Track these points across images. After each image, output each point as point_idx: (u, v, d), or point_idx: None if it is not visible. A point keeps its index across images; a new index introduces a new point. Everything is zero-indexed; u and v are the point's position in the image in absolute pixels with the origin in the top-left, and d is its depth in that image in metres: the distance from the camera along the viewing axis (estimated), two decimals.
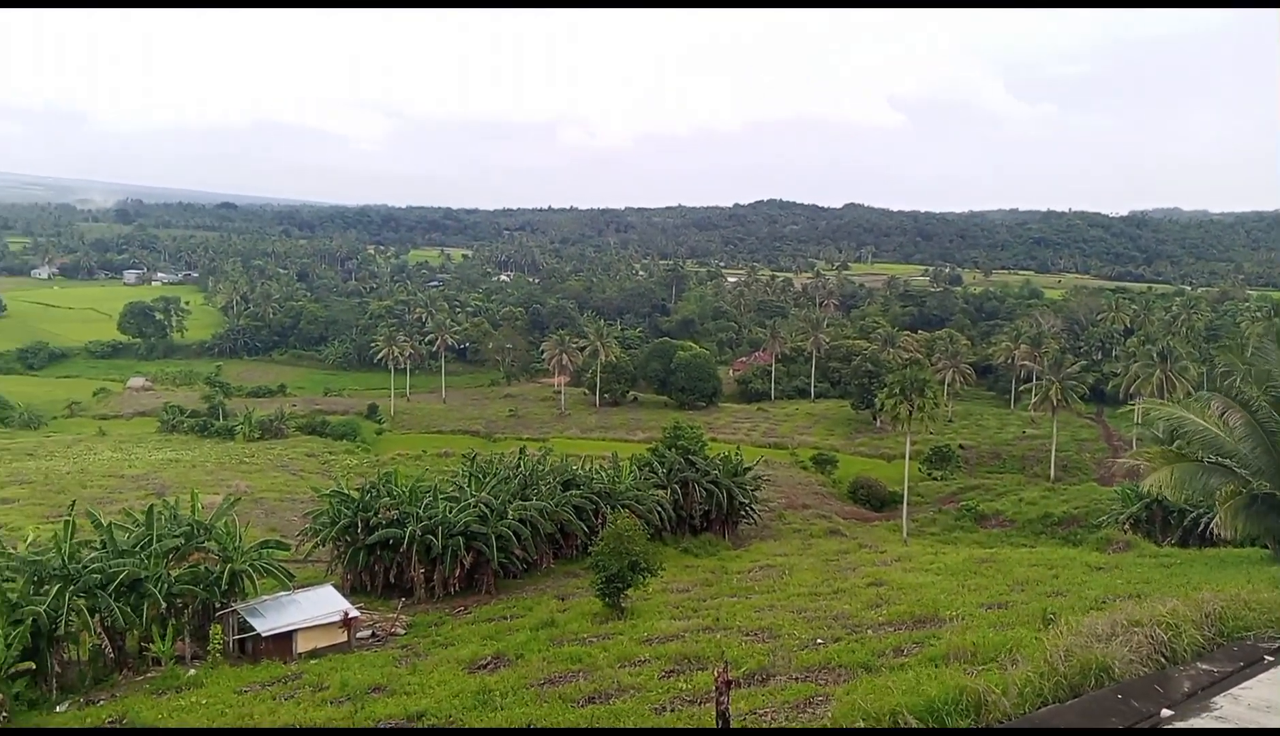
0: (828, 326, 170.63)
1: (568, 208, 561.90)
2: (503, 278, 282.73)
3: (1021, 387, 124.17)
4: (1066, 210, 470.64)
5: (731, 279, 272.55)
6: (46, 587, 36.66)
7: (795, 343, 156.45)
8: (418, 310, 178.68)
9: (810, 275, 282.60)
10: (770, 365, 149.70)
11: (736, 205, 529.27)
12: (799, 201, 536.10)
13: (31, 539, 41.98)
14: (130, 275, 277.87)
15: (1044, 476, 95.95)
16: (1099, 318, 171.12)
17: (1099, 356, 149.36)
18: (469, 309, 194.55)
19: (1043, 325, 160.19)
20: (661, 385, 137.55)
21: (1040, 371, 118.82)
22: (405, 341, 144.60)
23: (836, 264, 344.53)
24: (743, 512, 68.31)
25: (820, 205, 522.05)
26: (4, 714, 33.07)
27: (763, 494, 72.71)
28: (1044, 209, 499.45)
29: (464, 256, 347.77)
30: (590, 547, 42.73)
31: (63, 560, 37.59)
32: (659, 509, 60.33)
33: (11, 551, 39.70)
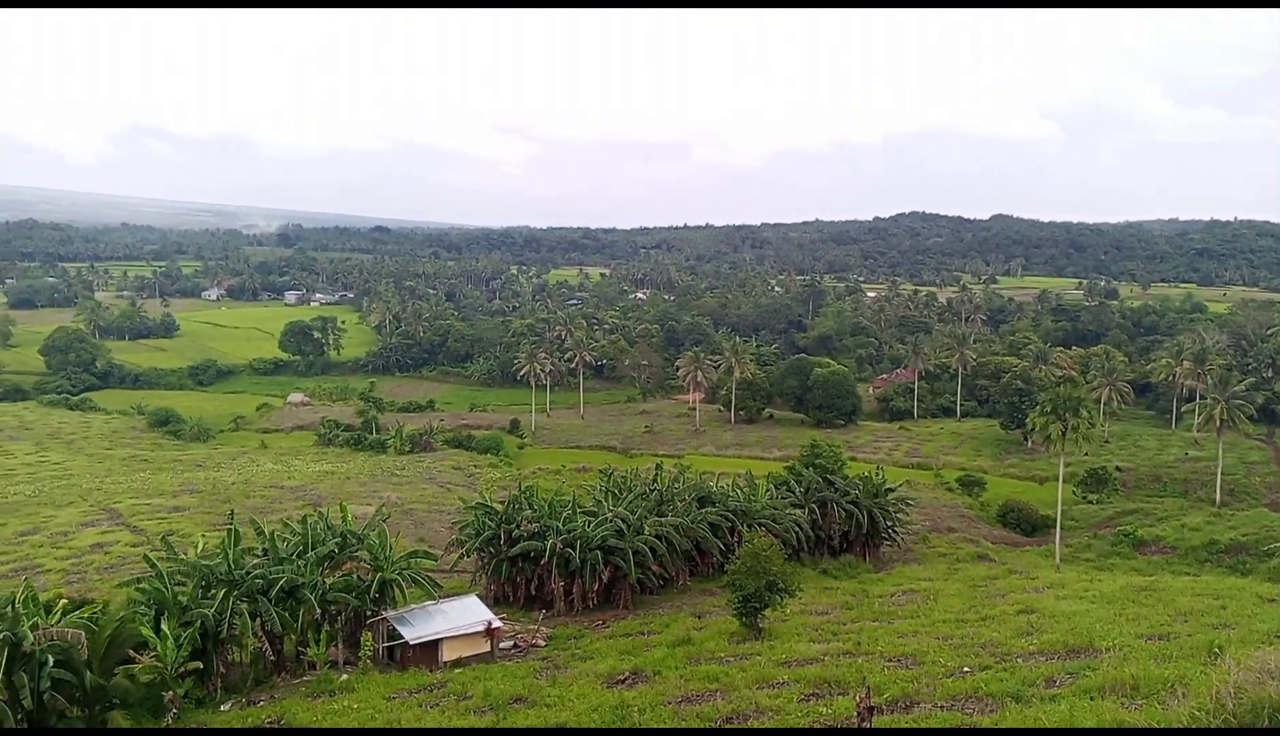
0: (974, 342, 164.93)
1: (703, 225, 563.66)
2: (639, 295, 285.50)
3: (1184, 407, 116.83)
4: (1232, 219, 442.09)
5: (871, 294, 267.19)
6: (213, 592, 38.96)
7: (939, 359, 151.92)
8: (558, 328, 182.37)
9: (955, 289, 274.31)
10: (913, 382, 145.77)
11: (876, 218, 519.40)
12: (942, 213, 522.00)
13: (200, 545, 44.72)
14: (291, 296, 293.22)
15: (1208, 501, 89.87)
16: (1269, 333, 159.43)
17: (1269, 374, 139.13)
18: (606, 326, 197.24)
19: (1206, 341, 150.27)
20: (798, 402, 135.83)
21: (1204, 390, 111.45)
22: (546, 358, 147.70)
23: (983, 277, 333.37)
24: (885, 535, 66.64)
25: (965, 217, 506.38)
26: (174, 710, 35.23)
27: (906, 516, 70.73)
28: (1207, 218, 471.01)
29: (602, 275, 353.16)
30: (726, 566, 42.48)
31: (228, 566, 39.90)
32: (796, 529, 59.49)
33: (183, 557, 42.40)
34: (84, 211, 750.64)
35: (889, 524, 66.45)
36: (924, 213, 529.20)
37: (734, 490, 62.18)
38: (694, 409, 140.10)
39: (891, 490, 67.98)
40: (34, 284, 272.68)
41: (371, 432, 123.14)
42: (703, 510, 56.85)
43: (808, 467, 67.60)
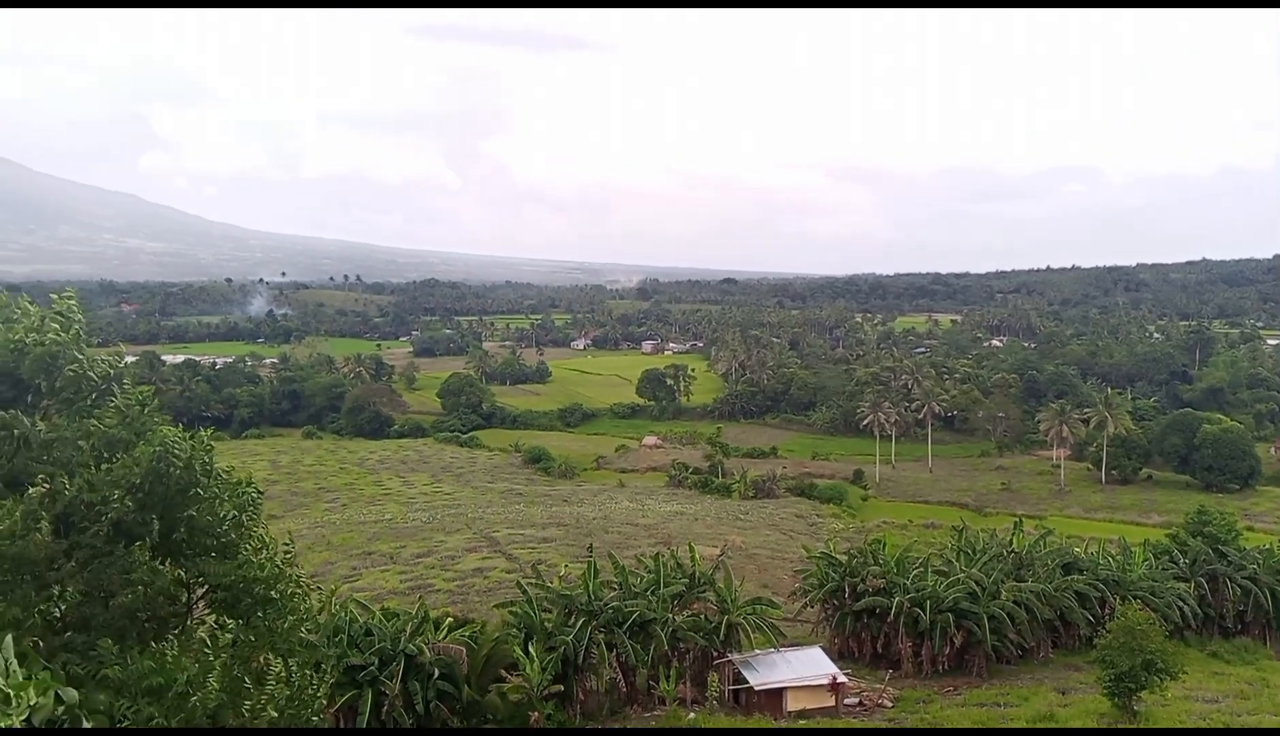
0: None
1: (1068, 267, 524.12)
2: (994, 343, 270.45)
3: None
4: None
5: (1272, 342, 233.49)
6: (574, 620, 41.86)
7: None
8: (904, 377, 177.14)
9: None
10: None
11: (1277, 256, 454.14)
12: None
13: (564, 575, 48.26)
14: (647, 345, 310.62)
15: None
16: None
17: None
18: (957, 375, 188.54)
19: None
20: (1182, 463, 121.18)
21: None
22: (891, 408, 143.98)
23: None
24: None
25: None
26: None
27: None
28: None
29: (952, 322, 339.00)
30: (1095, 640, 38.69)
31: (588, 597, 42.72)
32: (1180, 604, 52.93)
33: (549, 585, 46.01)
34: (475, 271, 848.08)
35: None
36: None
37: (1104, 557, 56.68)
38: (1057, 466, 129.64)
39: None
40: (434, 335, 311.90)
41: (717, 476, 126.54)
42: (1068, 577, 52.35)
43: (1194, 536, 60.11)
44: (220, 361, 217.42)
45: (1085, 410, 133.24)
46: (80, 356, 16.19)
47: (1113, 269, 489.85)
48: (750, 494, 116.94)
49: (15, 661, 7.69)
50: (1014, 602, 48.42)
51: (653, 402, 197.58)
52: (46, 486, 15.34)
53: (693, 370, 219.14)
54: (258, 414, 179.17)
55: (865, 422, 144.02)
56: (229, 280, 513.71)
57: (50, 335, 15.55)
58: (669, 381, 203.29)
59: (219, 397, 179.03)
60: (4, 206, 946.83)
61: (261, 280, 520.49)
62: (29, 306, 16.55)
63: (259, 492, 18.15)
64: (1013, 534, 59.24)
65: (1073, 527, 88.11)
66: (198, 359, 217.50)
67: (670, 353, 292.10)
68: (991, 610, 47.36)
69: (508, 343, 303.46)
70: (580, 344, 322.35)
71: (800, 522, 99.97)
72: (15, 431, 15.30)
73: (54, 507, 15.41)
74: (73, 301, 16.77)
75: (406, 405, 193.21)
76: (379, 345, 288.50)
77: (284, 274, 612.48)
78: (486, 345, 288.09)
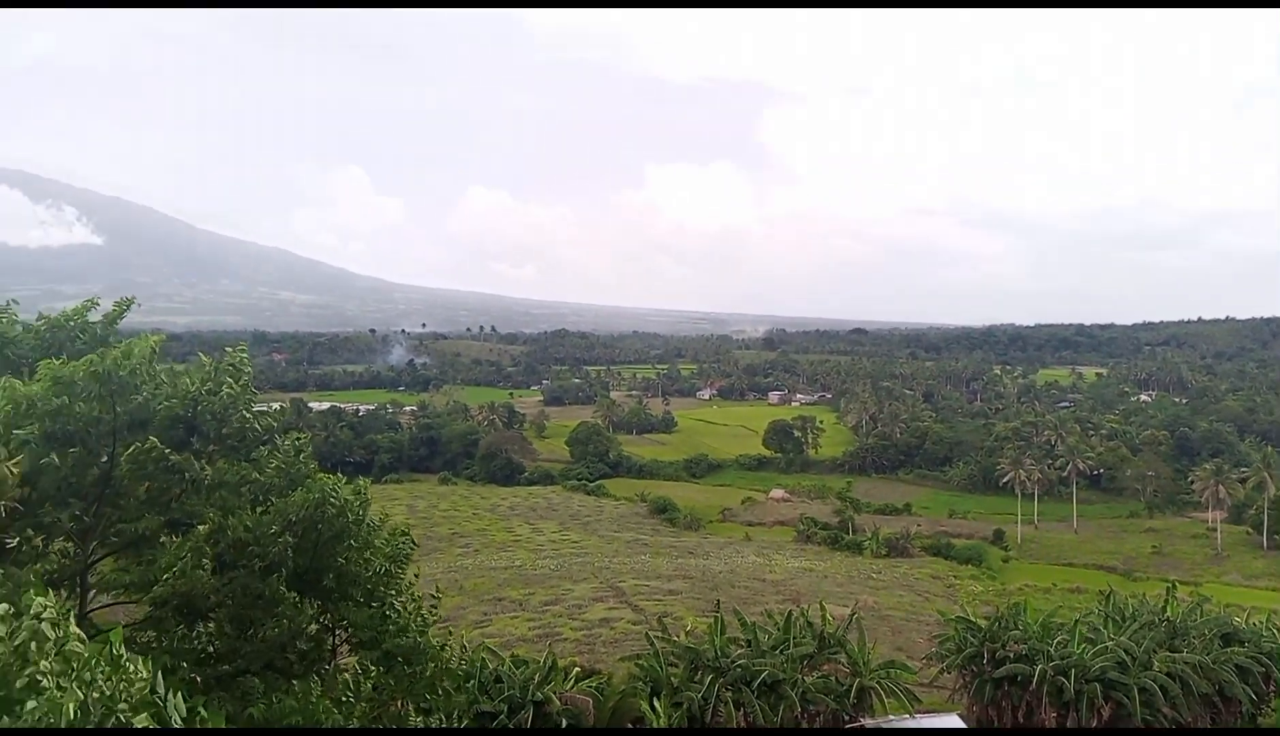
0: None
1: (1222, 318, 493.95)
2: (1143, 398, 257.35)
3: None
4: None
5: None
6: (700, 676, 41.52)
7: None
8: (1046, 432, 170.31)
9: None
10: None
11: None
12: None
13: (690, 629, 48.03)
14: (774, 396, 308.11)
15: None
16: None
17: None
18: (1103, 432, 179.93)
19: None
20: None
21: None
22: (1033, 465, 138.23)
23: None
24: None
25: None
26: None
27: None
28: None
29: (1098, 375, 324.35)
30: (1258, 717, 35.97)
31: (715, 653, 42.36)
32: None
33: (675, 639, 45.85)
34: (604, 321, 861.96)
35: None
36: None
37: (1269, 629, 52.74)
38: (1214, 530, 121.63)
39: None
40: (564, 384, 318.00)
41: (848, 532, 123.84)
42: (1228, 649, 48.84)
43: None
44: (363, 408, 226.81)
45: (1243, 470, 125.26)
46: (247, 408, 17.36)
47: (1270, 320, 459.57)
48: (883, 552, 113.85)
49: (182, 703, 8.29)
50: (1167, 674, 45.48)
51: (779, 454, 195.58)
52: (211, 526, 16.44)
53: (821, 422, 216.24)
54: (397, 459, 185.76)
55: (1005, 480, 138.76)
56: (372, 331, 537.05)
57: (225, 388, 16.71)
58: (796, 433, 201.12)
59: (361, 443, 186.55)
60: (171, 261, 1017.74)
61: (403, 331, 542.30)
62: (203, 358, 17.79)
63: (414, 545, 18.91)
64: (1165, 601, 55.76)
65: (1231, 596, 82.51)
66: (342, 406, 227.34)
67: (797, 404, 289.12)
68: (1142, 681, 44.62)
69: (634, 392, 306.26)
70: (706, 394, 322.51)
71: (936, 584, 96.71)
72: (186, 475, 16.46)
73: (216, 546, 16.49)
74: (244, 354, 18.00)
75: (536, 453, 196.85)
76: (511, 393, 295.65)
77: (424, 325, 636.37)
78: (614, 394, 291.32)
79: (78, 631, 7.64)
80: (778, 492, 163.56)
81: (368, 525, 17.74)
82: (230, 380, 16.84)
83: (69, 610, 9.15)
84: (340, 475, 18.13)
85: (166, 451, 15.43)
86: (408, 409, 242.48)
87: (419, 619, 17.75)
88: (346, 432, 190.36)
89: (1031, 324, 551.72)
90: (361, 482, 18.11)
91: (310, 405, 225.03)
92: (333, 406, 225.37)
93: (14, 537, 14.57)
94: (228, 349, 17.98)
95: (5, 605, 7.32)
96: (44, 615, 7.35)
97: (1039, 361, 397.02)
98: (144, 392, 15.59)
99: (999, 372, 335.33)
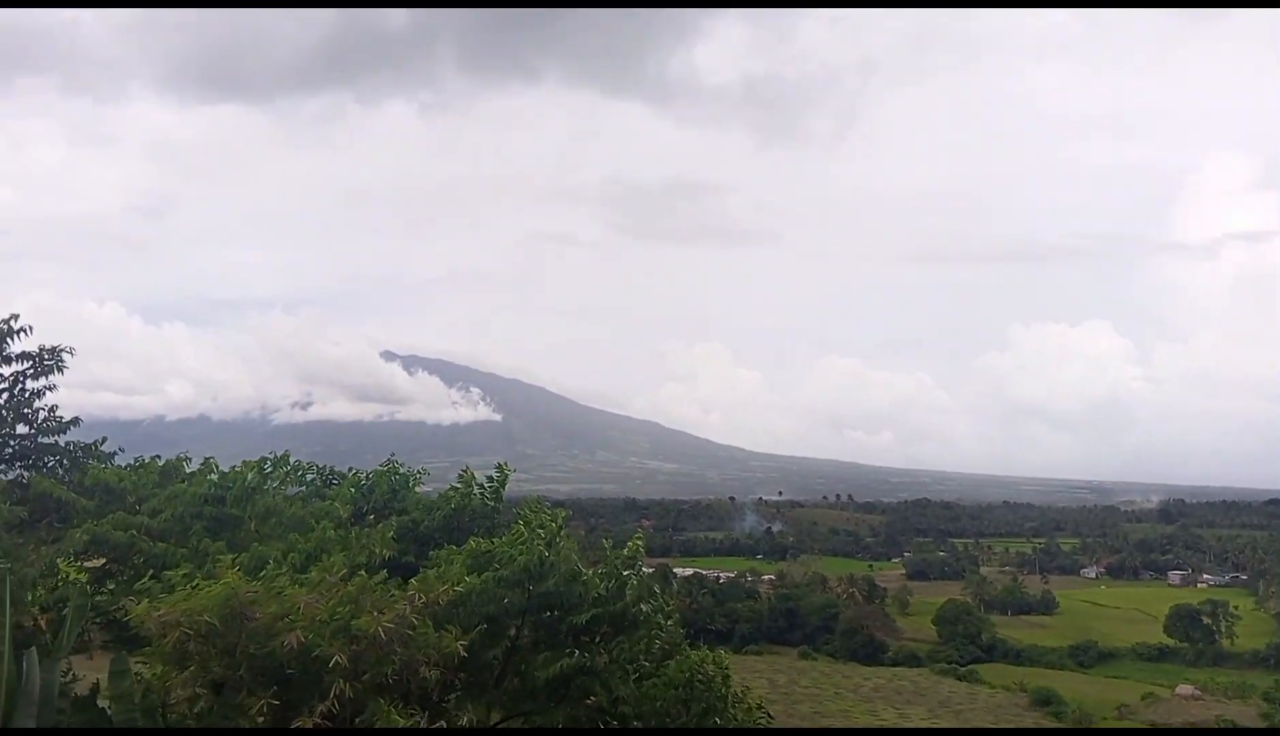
0: None
1: None
2: None
3: None
4: None
5: None
6: None
7: None
8: None
9: None
10: None
11: None
12: None
13: None
14: (1174, 576, 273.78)
15: None
16: None
17: None
18: None
19: None
20: None
21: None
22: None
23: None
24: None
25: None
26: None
27: None
28: None
29: None
30: None
31: None
32: None
33: None
34: (969, 490, 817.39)
35: None
36: None
37: None
38: None
39: None
40: (927, 557, 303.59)
41: None
42: None
43: None
44: (723, 576, 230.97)
45: None
46: (646, 603, 18.43)
47: None
48: None
49: None
50: None
51: (1185, 644, 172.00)
52: (600, 701, 17.83)
53: (1236, 607, 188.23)
54: (756, 629, 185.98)
55: None
56: (731, 498, 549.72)
57: (629, 592, 17.82)
58: (1205, 619, 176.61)
59: (722, 611, 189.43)
60: (557, 435, 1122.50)
61: (760, 498, 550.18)
62: (607, 548, 18.59)
63: (770, 718, 19.46)
64: None
65: None
66: (704, 572, 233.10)
67: (1204, 586, 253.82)
68: None
69: (1007, 568, 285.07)
70: (1091, 572, 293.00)
71: None
72: (585, 658, 17.58)
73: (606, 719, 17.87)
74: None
75: (900, 631, 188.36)
76: (870, 565, 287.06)
77: (780, 492, 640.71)
78: (984, 570, 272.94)
79: None
80: (1185, 689, 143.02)
81: (730, 698, 18.52)
82: (634, 581, 17.87)
83: None
84: (704, 645, 19.10)
85: (571, 639, 16.91)
86: (766, 577, 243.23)
87: None
88: (708, 599, 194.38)
89: None
90: (720, 654, 19.08)
91: (675, 571, 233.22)
92: (695, 572, 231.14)
93: (448, 701, 16.80)
94: (624, 550, 17.51)
95: None
96: None
97: None
98: (554, 582, 17.26)
99: None
